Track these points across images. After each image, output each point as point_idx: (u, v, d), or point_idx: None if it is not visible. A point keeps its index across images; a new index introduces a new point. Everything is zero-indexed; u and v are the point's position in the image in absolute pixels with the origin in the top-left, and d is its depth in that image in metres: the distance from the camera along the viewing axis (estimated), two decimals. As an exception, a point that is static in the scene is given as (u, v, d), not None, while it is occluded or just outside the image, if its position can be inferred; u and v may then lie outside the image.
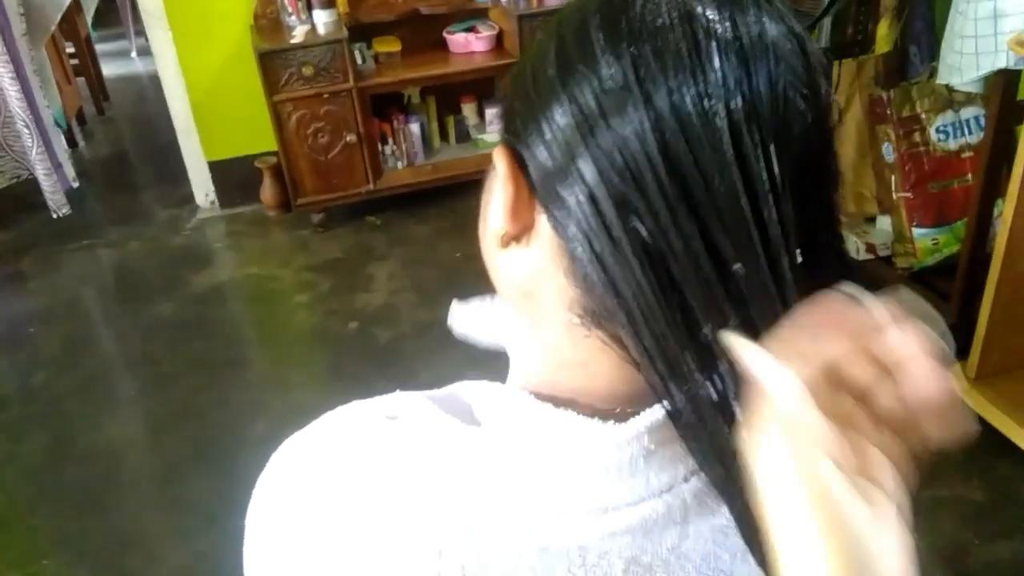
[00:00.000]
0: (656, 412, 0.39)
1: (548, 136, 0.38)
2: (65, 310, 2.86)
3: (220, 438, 2.20)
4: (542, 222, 0.40)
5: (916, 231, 2.24)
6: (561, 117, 0.38)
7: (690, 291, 0.36)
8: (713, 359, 0.36)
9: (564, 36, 0.39)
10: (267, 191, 3.27)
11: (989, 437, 1.86)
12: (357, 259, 3.01)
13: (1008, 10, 1.68)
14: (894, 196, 2.25)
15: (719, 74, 0.35)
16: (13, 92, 2.91)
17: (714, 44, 0.36)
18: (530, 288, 0.42)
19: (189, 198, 3.44)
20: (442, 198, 3.17)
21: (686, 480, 0.40)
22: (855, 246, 2.40)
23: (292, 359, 2.63)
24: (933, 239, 2.24)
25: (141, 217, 3.42)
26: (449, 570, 0.38)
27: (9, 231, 3.34)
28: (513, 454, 0.41)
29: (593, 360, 0.41)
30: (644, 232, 0.36)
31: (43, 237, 3.28)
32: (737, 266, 0.36)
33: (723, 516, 0.40)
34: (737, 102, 0.35)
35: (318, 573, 0.40)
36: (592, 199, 0.37)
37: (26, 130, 3.00)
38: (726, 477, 0.37)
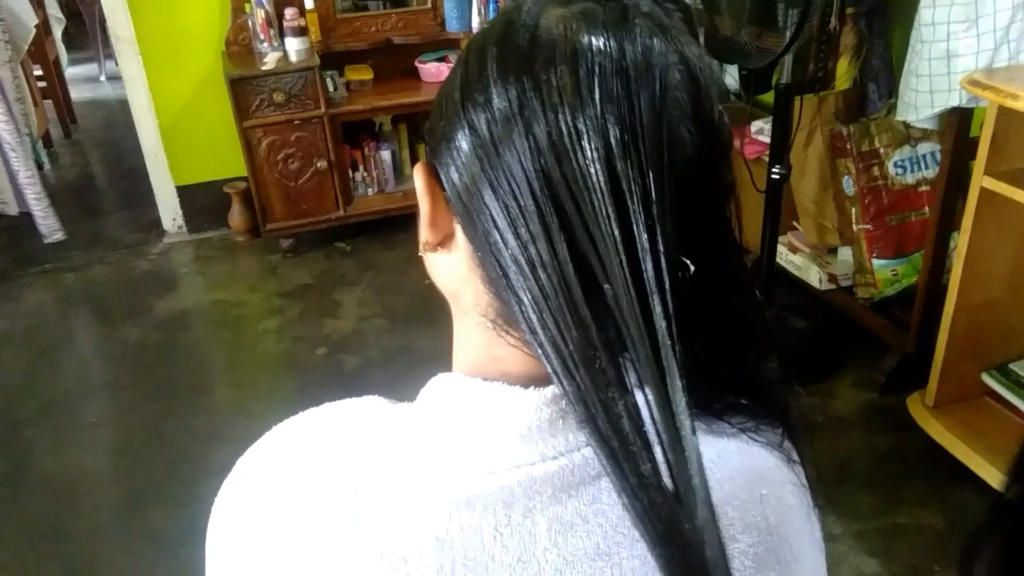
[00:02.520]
0: None
1: (454, 155, 0.42)
2: (26, 335, 2.81)
3: (183, 466, 2.16)
4: (459, 231, 0.44)
5: (876, 262, 2.29)
6: (462, 140, 0.41)
7: (558, 307, 0.38)
8: (598, 363, 0.38)
9: (468, 63, 0.43)
10: (236, 216, 3.26)
11: (947, 464, 1.90)
12: (326, 285, 3.00)
13: (960, 51, 1.75)
14: (855, 228, 2.31)
15: (598, 107, 0.38)
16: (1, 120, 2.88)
17: (596, 77, 0.38)
18: (454, 289, 0.46)
19: (156, 223, 3.41)
20: (412, 225, 3.11)
21: None
22: (817, 276, 2.45)
23: (258, 386, 2.60)
24: (892, 270, 2.30)
25: (107, 241, 3.38)
26: (385, 536, 0.41)
27: (-30, 254, 3.29)
28: (445, 425, 0.44)
29: (506, 355, 0.44)
30: (531, 250, 0.39)
31: (5, 260, 3.23)
32: (607, 286, 0.38)
33: None
34: (616, 132, 0.38)
35: (273, 571, 0.43)
36: (489, 213, 0.40)
37: (13, 153, 2.97)
38: (615, 450, 0.38)
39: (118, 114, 4.98)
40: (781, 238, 2.43)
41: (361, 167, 3.22)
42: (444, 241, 0.45)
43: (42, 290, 3.06)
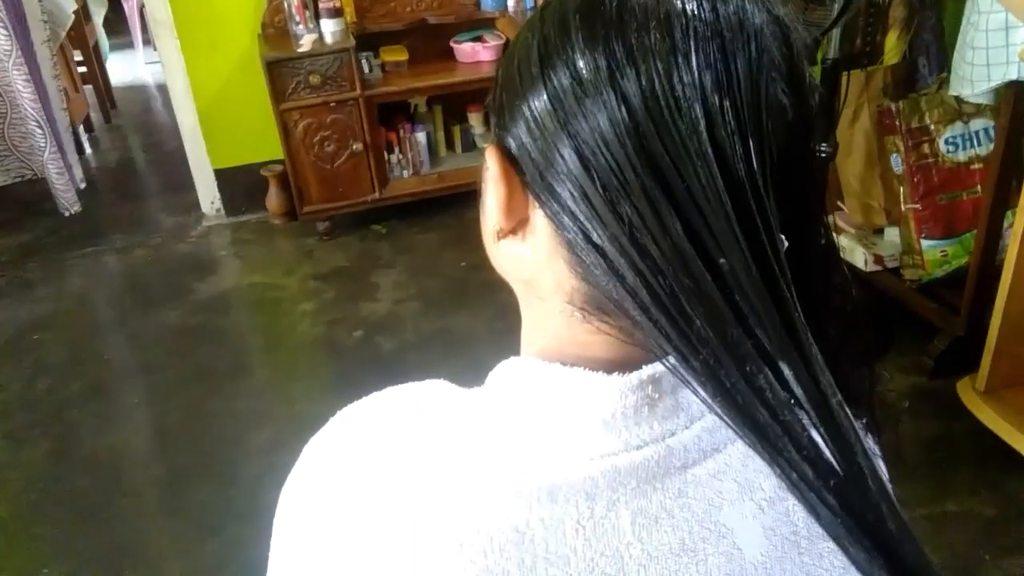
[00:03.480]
0: (657, 366, 0.40)
1: (533, 128, 0.39)
2: (69, 317, 2.86)
3: (223, 447, 2.18)
4: (538, 215, 0.41)
5: (925, 243, 2.22)
6: (543, 109, 0.39)
7: (677, 283, 0.36)
8: (729, 336, 0.36)
9: (546, 33, 0.40)
10: (272, 199, 3.27)
11: (998, 451, 1.84)
12: (362, 268, 3.00)
13: (1018, 22, 1.67)
14: (903, 207, 2.24)
15: (695, 66, 0.36)
16: (27, 95, 2.93)
17: (691, 36, 0.36)
18: (529, 277, 0.44)
19: (195, 206, 3.44)
20: (447, 207, 3.16)
21: (687, 427, 0.41)
22: (863, 257, 2.39)
23: (296, 368, 2.62)
24: (942, 251, 2.22)
25: (147, 224, 3.42)
26: (465, 527, 0.39)
27: (15, 236, 3.35)
28: (522, 412, 0.42)
29: (589, 340, 0.42)
30: (630, 221, 0.36)
31: (49, 243, 3.29)
32: (722, 261, 0.35)
33: (720, 460, 0.42)
34: (715, 99, 0.36)
35: (343, 563, 0.41)
36: (581, 189, 0.37)
37: (39, 131, 3.02)
38: (763, 424, 0.35)
39: (156, 98, 5.04)
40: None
41: (396, 149, 3.21)
42: (518, 227, 0.43)
43: (84, 273, 3.11)
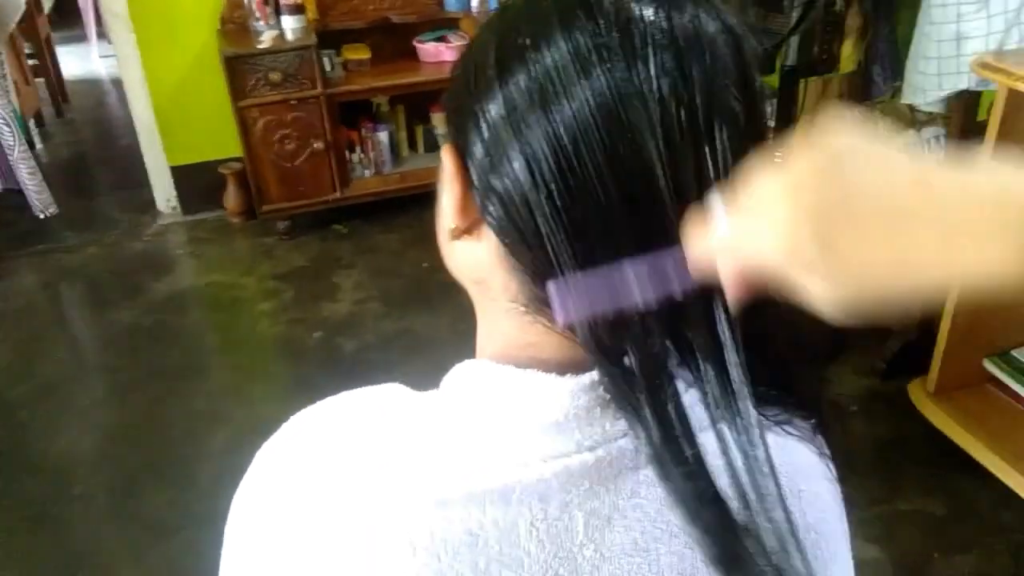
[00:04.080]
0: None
1: (483, 130, 0.40)
2: (20, 317, 2.78)
3: (178, 450, 2.14)
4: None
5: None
6: (496, 112, 0.39)
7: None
8: (648, 334, 0.38)
9: (503, 34, 0.40)
10: (231, 198, 3.22)
11: (949, 451, 1.89)
12: (322, 268, 2.97)
13: (970, 33, 1.72)
14: (857, 213, 2.29)
15: (652, 73, 0.36)
16: None
17: (649, 44, 0.37)
18: (480, 276, 0.44)
19: (150, 203, 3.38)
20: (409, 207, 3.15)
21: None
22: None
23: (254, 369, 2.58)
24: (895, 256, 2.28)
25: (100, 222, 3.34)
26: (417, 530, 0.39)
27: (-39, 234, 3.25)
28: (475, 414, 0.42)
29: (540, 341, 0.43)
30: (573, 226, 0.37)
31: (-3, 241, 3.20)
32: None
33: None
34: (670, 100, 0.36)
35: (296, 569, 0.41)
36: (523, 192, 0.38)
37: (7, 128, 2.93)
38: (662, 438, 0.38)
39: (111, 93, 4.93)
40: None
41: (358, 148, 3.19)
42: (472, 227, 0.43)
43: (34, 271, 3.02)
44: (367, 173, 3.22)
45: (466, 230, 0.43)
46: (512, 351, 0.44)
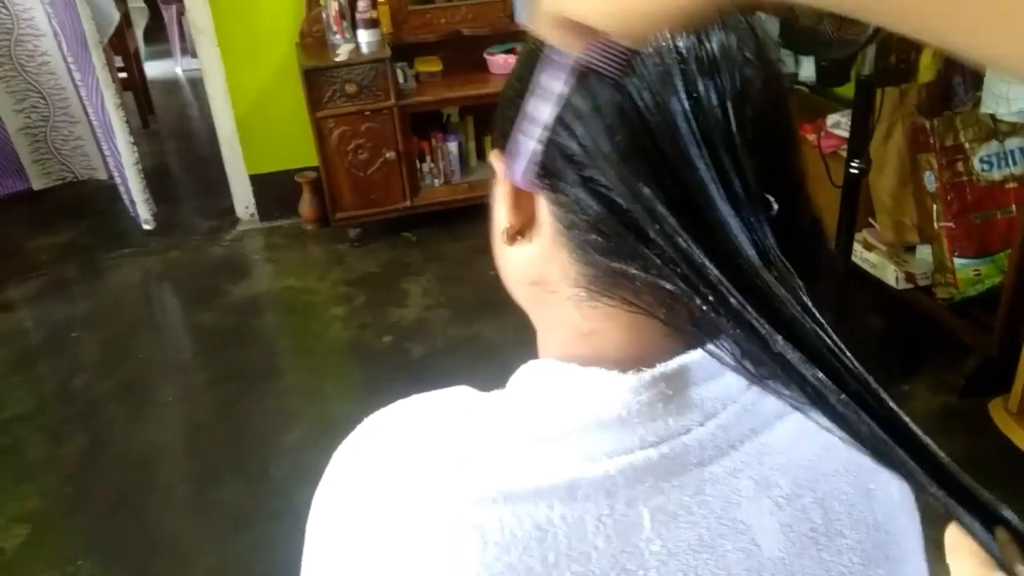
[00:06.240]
0: (671, 364, 0.42)
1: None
2: (107, 316, 2.92)
3: (254, 446, 2.22)
4: (542, 210, 0.44)
5: (958, 261, 2.21)
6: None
7: (669, 249, 0.38)
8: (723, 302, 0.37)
9: (536, 47, 0.42)
10: (306, 205, 3.33)
11: (1031, 472, 1.83)
12: (392, 274, 3.04)
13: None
14: (936, 226, 2.23)
15: (673, 44, 0.39)
16: (88, 99, 3.01)
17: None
18: (538, 275, 0.45)
19: (230, 210, 3.51)
20: (477, 216, 3.14)
21: (702, 424, 0.42)
22: (894, 275, 2.38)
23: (326, 371, 2.66)
24: (975, 270, 2.21)
25: (183, 228, 3.49)
26: (487, 524, 0.40)
27: (54, 237, 3.43)
28: (541, 412, 0.43)
29: (603, 327, 0.43)
30: (621, 197, 0.38)
31: (86, 244, 3.36)
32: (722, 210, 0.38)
33: (736, 458, 0.43)
34: (692, 66, 0.38)
35: (372, 564, 0.42)
36: (578, 173, 0.40)
37: (125, 134, 3.11)
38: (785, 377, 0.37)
39: (193, 106, 5.14)
40: (856, 235, 2.37)
41: (428, 158, 3.25)
42: (526, 226, 0.45)
43: (121, 274, 3.17)
44: (436, 182, 3.28)
45: (520, 230, 0.45)
46: (575, 344, 0.45)
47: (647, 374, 0.41)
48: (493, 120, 0.48)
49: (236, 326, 2.79)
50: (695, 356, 0.42)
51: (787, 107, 0.43)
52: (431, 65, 3.20)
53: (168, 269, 3.20)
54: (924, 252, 2.36)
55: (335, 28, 3.01)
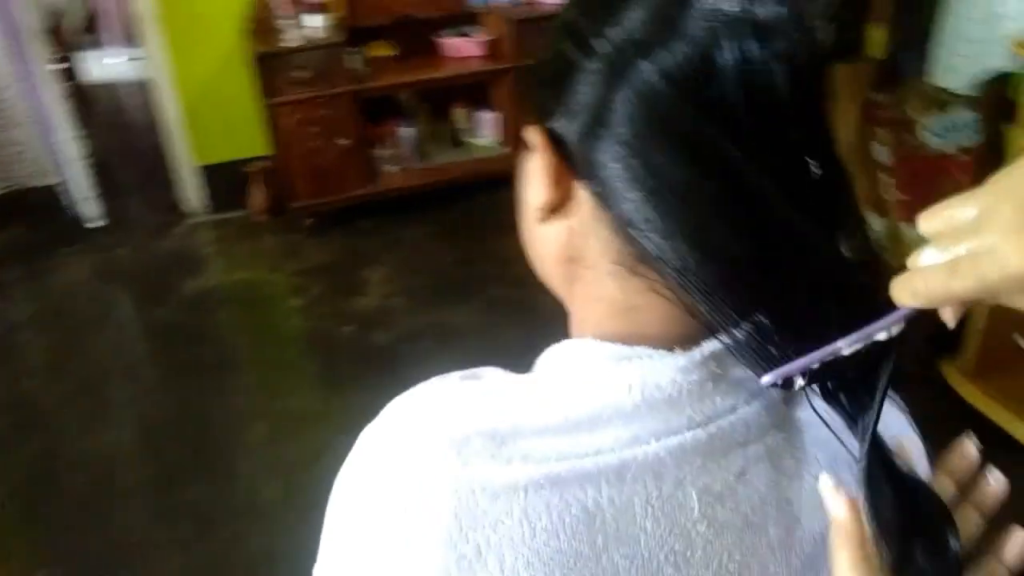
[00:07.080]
0: (716, 343, 0.41)
1: (575, 103, 0.40)
2: (53, 317, 2.82)
3: (217, 444, 2.17)
4: (579, 189, 0.43)
5: (909, 231, 2.27)
6: (583, 83, 0.40)
7: (734, 222, 0.38)
8: (762, 290, 0.38)
9: (574, 18, 0.42)
10: (257, 196, 3.25)
11: (988, 431, 1.89)
12: (349, 263, 2.99)
13: (1008, 13, 1.71)
14: (887, 197, 2.28)
15: (727, 12, 0.38)
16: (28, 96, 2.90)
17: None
18: (573, 252, 0.44)
19: (177, 203, 3.41)
20: (434, 202, 3.16)
21: (747, 403, 0.42)
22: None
23: (287, 363, 2.61)
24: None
25: (131, 222, 3.38)
26: (535, 510, 0.39)
27: (-6, 237, 3.30)
28: (587, 394, 0.42)
29: (644, 303, 0.42)
30: (680, 169, 0.38)
31: (28, 244, 3.23)
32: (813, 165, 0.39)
33: (779, 437, 0.43)
34: (747, 42, 0.38)
35: (410, 550, 0.40)
36: (628, 147, 0.39)
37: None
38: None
39: (137, 95, 4.97)
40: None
41: (384, 144, 3.21)
42: (564, 200, 0.43)
43: (69, 272, 3.06)
44: (392, 168, 3.24)
45: (557, 205, 0.43)
46: (615, 321, 0.43)
47: (696, 352, 0.41)
48: (525, 95, 0.46)
49: (190, 322, 2.72)
50: (736, 333, 0.41)
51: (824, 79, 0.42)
52: (384, 49, 3.15)
53: (117, 266, 3.10)
54: (876, 223, 2.41)
55: (285, 13, 2.94)
